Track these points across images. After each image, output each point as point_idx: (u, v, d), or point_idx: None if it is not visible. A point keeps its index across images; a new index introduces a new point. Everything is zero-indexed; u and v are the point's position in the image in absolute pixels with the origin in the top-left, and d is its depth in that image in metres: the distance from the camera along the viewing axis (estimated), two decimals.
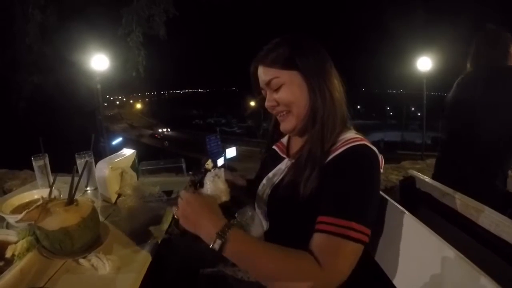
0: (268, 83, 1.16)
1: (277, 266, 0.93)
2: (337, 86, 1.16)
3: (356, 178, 1.02)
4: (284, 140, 1.35)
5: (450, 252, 0.87)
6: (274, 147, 1.35)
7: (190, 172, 1.30)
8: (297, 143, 1.27)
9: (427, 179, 1.54)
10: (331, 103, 1.12)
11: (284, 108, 1.17)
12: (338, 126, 1.12)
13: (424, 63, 13.20)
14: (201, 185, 1.16)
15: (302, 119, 1.16)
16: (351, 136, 1.09)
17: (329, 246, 0.94)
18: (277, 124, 1.29)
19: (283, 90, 1.15)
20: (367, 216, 0.99)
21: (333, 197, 1.01)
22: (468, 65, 2.00)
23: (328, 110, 1.11)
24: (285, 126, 1.21)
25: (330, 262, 0.92)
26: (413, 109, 55.12)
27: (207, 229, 0.97)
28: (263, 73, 1.17)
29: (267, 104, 1.20)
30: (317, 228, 0.98)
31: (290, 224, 1.09)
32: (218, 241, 0.93)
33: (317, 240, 0.96)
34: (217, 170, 1.16)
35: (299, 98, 1.14)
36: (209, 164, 1.24)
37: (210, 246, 0.94)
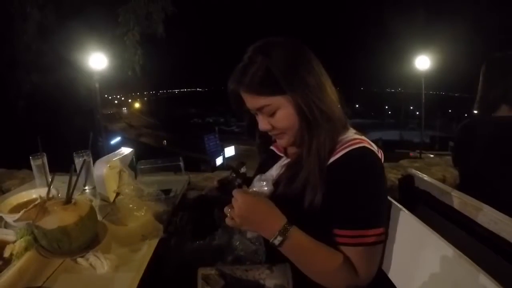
0: (259, 109, 1.11)
1: (323, 266, 1.01)
2: (329, 92, 1.11)
3: (363, 186, 1.03)
4: None
5: (448, 250, 0.87)
6: (272, 147, 1.35)
7: (232, 174, 1.30)
8: (300, 150, 1.27)
9: (425, 177, 1.53)
10: (327, 119, 1.07)
11: (279, 131, 1.14)
12: (336, 131, 1.10)
13: (423, 62, 13.20)
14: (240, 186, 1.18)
15: (299, 136, 1.13)
16: (350, 137, 1.09)
17: (360, 257, 1.01)
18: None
19: (279, 116, 1.10)
20: (379, 217, 1.04)
21: (344, 208, 1.03)
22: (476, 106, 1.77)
23: (323, 129, 1.07)
24: (281, 143, 1.20)
25: (365, 270, 1.01)
26: (411, 108, 55.18)
27: (270, 227, 1.01)
28: (250, 100, 1.11)
29: (261, 127, 1.15)
30: (338, 241, 1.03)
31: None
32: (279, 238, 0.99)
33: (345, 252, 1.02)
34: (264, 175, 1.18)
35: (295, 121, 1.10)
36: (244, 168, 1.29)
37: (270, 241, 1.00)
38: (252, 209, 1.01)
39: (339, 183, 1.03)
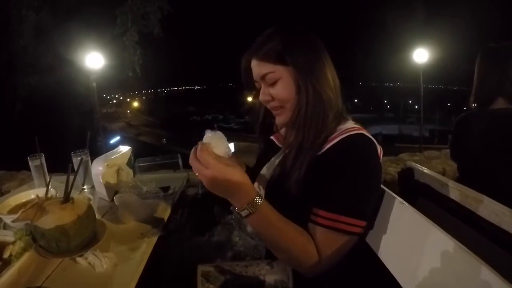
0: (263, 77, 1.16)
1: (287, 244, 1.02)
2: (330, 79, 1.14)
3: (351, 170, 1.04)
4: (283, 130, 1.35)
5: (450, 242, 0.86)
6: (272, 137, 1.35)
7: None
8: (292, 133, 1.27)
9: (425, 170, 1.53)
10: (318, 99, 1.11)
11: (278, 103, 1.17)
12: (328, 120, 1.12)
13: (421, 55, 13.17)
14: None
15: (296, 112, 1.16)
16: (349, 126, 1.11)
17: (326, 240, 1.01)
18: (266, 115, 1.31)
19: (279, 86, 1.14)
20: (362, 208, 1.04)
21: (328, 190, 1.04)
22: (472, 99, 1.76)
23: (312, 106, 1.10)
24: (280, 119, 1.22)
25: (327, 255, 1.01)
26: (410, 102, 55.20)
27: (239, 199, 0.99)
28: (257, 67, 1.16)
29: (261, 98, 1.19)
30: (314, 220, 1.03)
31: (287, 215, 1.08)
32: (246, 211, 0.98)
33: (314, 232, 1.03)
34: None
35: (293, 94, 1.14)
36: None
37: (237, 211, 1.01)
38: (224, 178, 0.97)
39: (331, 166, 1.05)
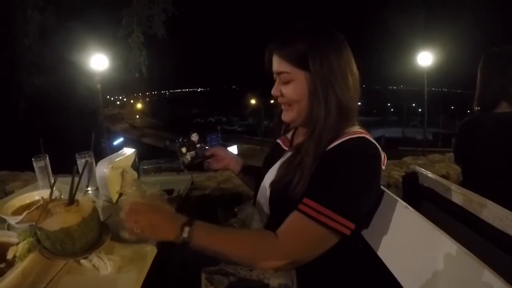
0: (278, 74, 1.18)
1: (239, 246, 1.04)
2: (351, 88, 1.14)
3: (348, 170, 1.04)
4: (289, 134, 1.36)
5: (454, 247, 0.86)
6: (278, 140, 1.36)
7: (177, 141, 1.36)
8: (299, 136, 1.28)
9: (430, 174, 1.53)
10: (338, 110, 1.10)
11: (286, 101, 1.19)
12: (342, 121, 1.12)
13: (425, 58, 13.15)
14: (189, 150, 1.35)
15: (302, 115, 1.18)
16: (353, 130, 1.11)
17: (295, 223, 1.02)
18: (281, 119, 1.30)
19: (290, 87, 1.16)
20: (350, 208, 1.02)
21: (319, 183, 1.04)
22: (476, 103, 1.76)
23: (332, 120, 1.10)
24: (284, 117, 1.24)
25: (287, 236, 1.02)
26: (413, 105, 55.04)
27: (172, 228, 1.03)
28: (277, 63, 1.18)
29: (273, 92, 1.22)
30: (297, 207, 1.03)
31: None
32: (186, 230, 1.01)
33: (290, 216, 1.03)
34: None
35: (303, 98, 1.15)
36: (194, 136, 1.32)
37: (179, 241, 1.02)
38: (153, 213, 1.07)
39: (329, 165, 1.05)
